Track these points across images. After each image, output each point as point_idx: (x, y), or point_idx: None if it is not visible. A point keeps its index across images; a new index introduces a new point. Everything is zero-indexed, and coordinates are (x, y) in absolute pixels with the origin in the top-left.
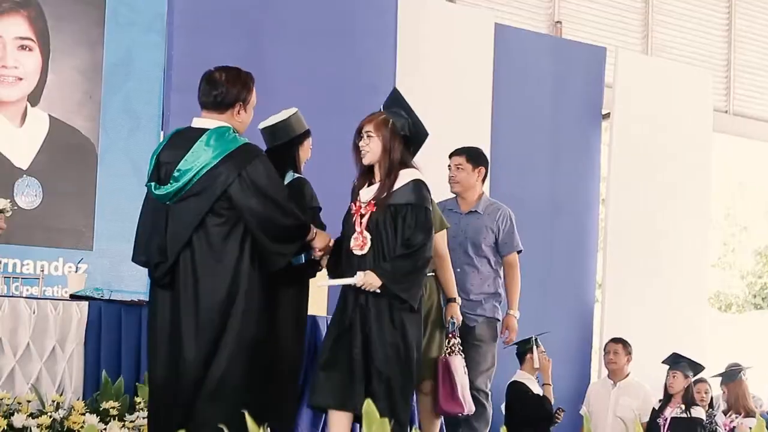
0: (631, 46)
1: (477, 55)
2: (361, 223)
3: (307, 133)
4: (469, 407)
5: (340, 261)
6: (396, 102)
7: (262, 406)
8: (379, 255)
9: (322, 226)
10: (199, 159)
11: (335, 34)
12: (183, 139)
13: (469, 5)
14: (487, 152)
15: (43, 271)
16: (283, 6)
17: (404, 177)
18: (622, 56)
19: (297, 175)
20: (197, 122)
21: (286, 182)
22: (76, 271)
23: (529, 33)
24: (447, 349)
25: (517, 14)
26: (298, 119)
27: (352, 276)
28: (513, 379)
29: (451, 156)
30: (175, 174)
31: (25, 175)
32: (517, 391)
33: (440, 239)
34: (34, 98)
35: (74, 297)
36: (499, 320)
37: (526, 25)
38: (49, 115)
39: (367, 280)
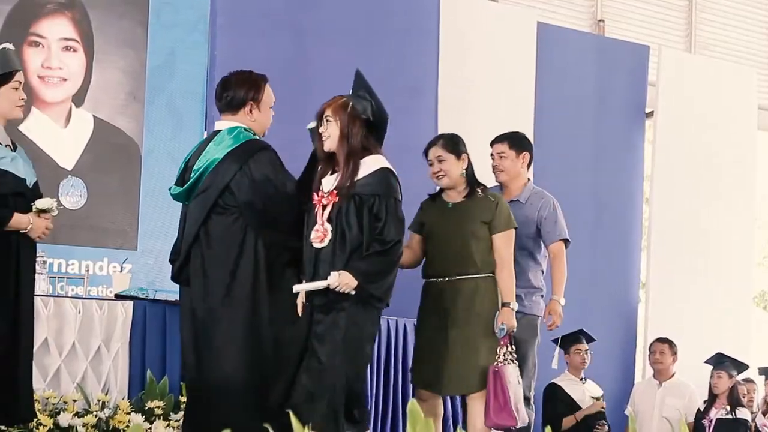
0: (675, 44)
1: (519, 55)
2: (322, 214)
3: None
4: (522, 419)
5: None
6: (360, 84)
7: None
8: (339, 248)
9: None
10: (207, 158)
11: (377, 34)
12: (205, 143)
13: (512, 4)
14: None
15: (88, 271)
16: (325, 6)
17: (369, 164)
18: (665, 54)
19: None
20: (217, 125)
21: None
22: (120, 271)
23: (572, 32)
24: (499, 357)
25: (560, 13)
26: None
27: (324, 277)
28: (551, 381)
29: (492, 144)
30: (190, 175)
31: (69, 176)
32: (549, 393)
33: (505, 240)
34: (78, 99)
35: (119, 297)
36: (539, 317)
37: (569, 24)
38: (94, 116)
39: (342, 280)
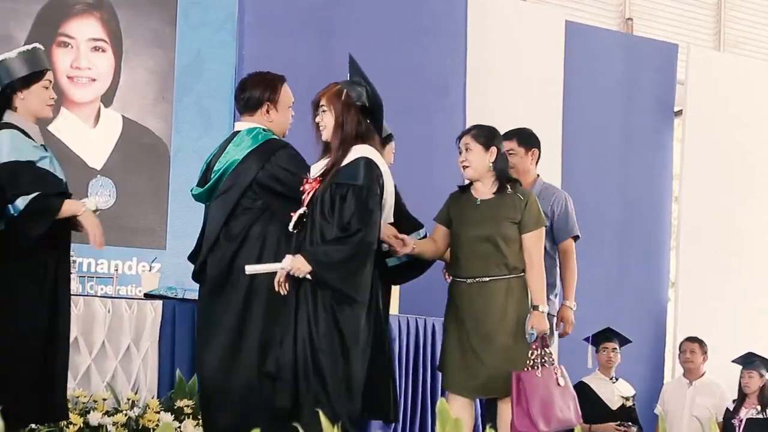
0: (703, 42)
1: (547, 53)
2: (306, 201)
3: (388, 138)
4: (554, 427)
5: None
6: (354, 70)
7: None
8: (311, 234)
9: (417, 226)
10: (227, 159)
11: (405, 32)
12: (225, 143)
13: (540, 3)
14: (558, 150)
15: (117, 270)
16: (353, 5)
17: (353, 154)
18: (694, 52)
19: None
20: (236, 126)
21: None
22: (149, 270)
23: (600, 30)
24: (529, 362)
25: (588, 11)
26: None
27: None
28: (580, 379)
29: None
30: (211, 175)
31: (99, 176)
32: (577, 392)
33: (534, 239)
34: (107, 99)
35: (148, 296)
36: (554, 315)
37: (597, 22)
38: (122, 116)
39: (295, 264)
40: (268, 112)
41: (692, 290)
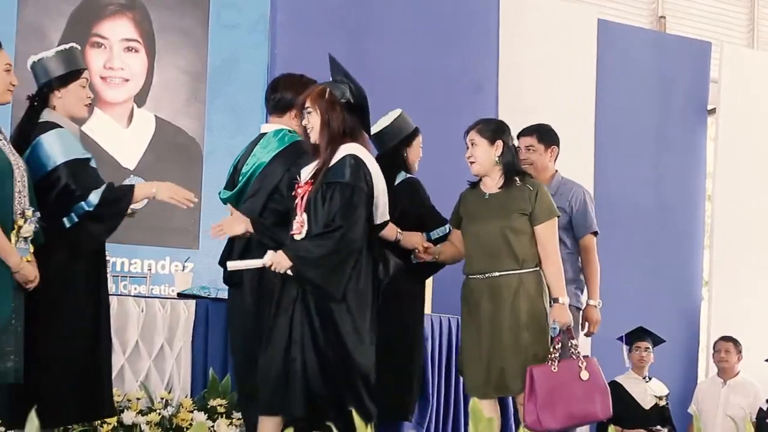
0: (737, 40)
1: (580, 52)
2: (301, 205)
3: (415, 133)
4: (568, 422)
5: None
6: (335, 69)
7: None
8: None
9: (442, 221)
10: (255, 161)
11: (438, 32)
12: (252, 145)
13: (572, 1)
14: (591, 149)
15: (150, 270)
16: (385, 5)
17: (342, 152)
18: (727, 51)
19: (408, 175)
20: (264, 128)
21: (396, 182)
22: (183, 270)
23: (633, 28)
24: (551, 356)
25: (620, 9)
26: (403, 120)
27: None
28: (613, 378)
29: (519, 136)
30: (239, 178)
31: (132, 176)
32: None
33: (547, 230)
34: (140, 99)
35: (181, 295)
36: (580, 309)
37: (630, 21)
38: (155, 116)
39: (275, 259)
40: (296, 115)
41: (725, 289)
